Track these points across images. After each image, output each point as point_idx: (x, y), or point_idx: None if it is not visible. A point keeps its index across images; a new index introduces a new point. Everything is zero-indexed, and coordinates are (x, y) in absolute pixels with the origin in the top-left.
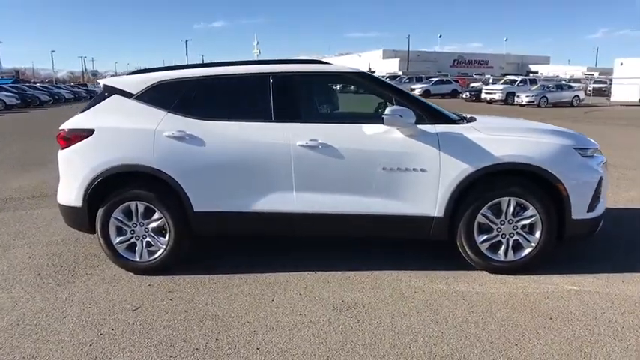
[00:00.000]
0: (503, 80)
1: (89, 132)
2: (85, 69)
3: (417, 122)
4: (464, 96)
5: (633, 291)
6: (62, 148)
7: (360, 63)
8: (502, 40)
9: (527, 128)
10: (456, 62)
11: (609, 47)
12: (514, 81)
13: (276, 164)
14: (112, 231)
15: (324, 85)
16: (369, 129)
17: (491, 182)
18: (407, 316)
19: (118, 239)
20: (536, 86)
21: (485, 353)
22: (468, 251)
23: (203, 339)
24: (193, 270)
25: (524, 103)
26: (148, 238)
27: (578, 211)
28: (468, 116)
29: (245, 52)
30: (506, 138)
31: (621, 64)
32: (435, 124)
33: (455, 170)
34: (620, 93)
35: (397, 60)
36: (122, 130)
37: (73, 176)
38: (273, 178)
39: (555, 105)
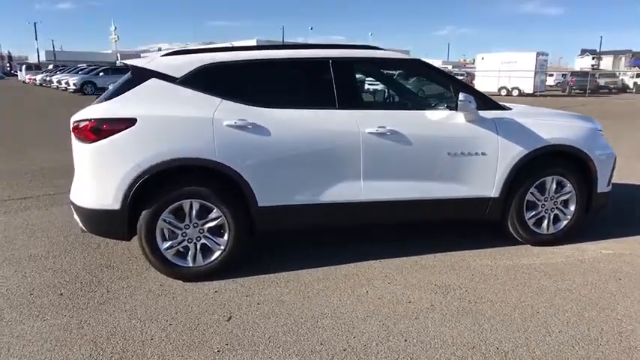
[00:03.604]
0: None
1: (130, 122)
2: None
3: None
4: None
5: None
6: (89, 142)
7: None
8: (365, 34)
9: (558, 113)
10: None
11: (454, 43)
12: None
13: (345, 152)
14: (159, 235)
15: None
16: (433, 115)
17: (540, 163)
18: (508, 292)
19: (167, 244)
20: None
21: (601, 314)
22: (518, 227)
23: (340, 338)
24: (246, 270)
25: None
26: (203, 240)
27: (602, 185)
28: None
29: (101, 37)
30: (550, 122)
31: (482, 58)
32: (489, 110)
33: (511, 153)
34: (482, 84)
35: None
36: (173, 119)
37: (108, 174)
38: (341, 167)
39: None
